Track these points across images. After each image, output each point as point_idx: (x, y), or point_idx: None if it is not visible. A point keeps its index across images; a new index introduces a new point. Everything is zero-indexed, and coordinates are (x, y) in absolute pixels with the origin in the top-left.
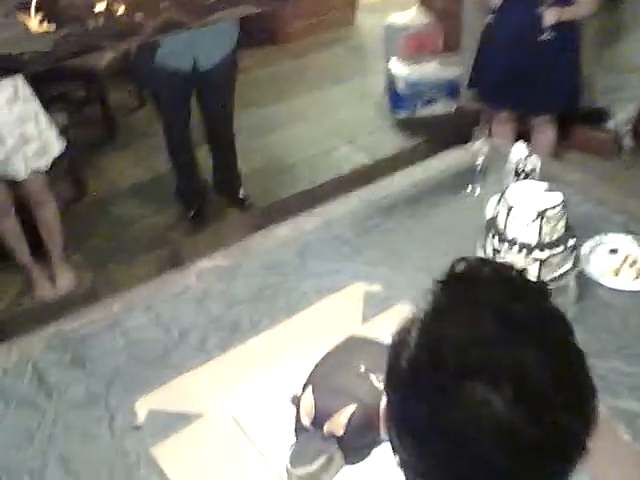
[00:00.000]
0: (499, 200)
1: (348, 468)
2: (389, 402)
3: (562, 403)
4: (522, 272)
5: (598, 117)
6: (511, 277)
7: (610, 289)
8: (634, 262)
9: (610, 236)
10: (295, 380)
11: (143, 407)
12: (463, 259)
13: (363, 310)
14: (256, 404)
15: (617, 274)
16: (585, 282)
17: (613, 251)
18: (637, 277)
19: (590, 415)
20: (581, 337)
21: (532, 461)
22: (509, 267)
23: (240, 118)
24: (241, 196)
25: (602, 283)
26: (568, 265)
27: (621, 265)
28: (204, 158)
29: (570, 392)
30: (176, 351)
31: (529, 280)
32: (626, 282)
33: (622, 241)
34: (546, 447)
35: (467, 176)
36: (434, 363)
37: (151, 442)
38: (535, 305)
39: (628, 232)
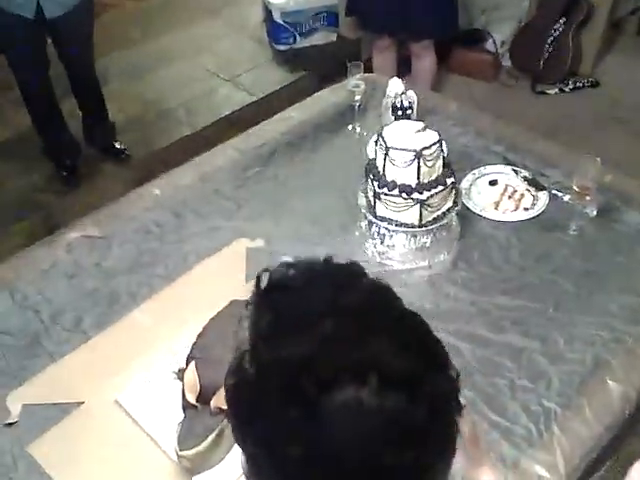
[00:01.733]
0: (376, 142)
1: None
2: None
3: (426, 369)
4: (327, 260)
5: (477, 38)
6: (319, 271)
7: (491, 222)
8: (513, 193)
9: (489, 168)
10: (180, 353)
11: (16, 402)
12: (266, 270)
13: (246, 268)
14: (140, 384)
15: (497, 206)
16: (467, 217)
17: (493, 183)
18: (517, 208)
19: (453, 371)
20: (464, 274)
21: (422, 443)
22: (313, 262)
23: (108, 63)
24: (117, 147)
25: (483, 216)
26: (449, 203)
27: (501, 197)
28: (74, 109)
29: (429, 356)
30: (48, 336)
31: (338, 264)
32: (506, 214)
33: (501, 172)
34: (431, 420)
35: (347, 115)
36: (287, 396)
37: (28, 439)
38: (357, 288)
39: (507, 163)
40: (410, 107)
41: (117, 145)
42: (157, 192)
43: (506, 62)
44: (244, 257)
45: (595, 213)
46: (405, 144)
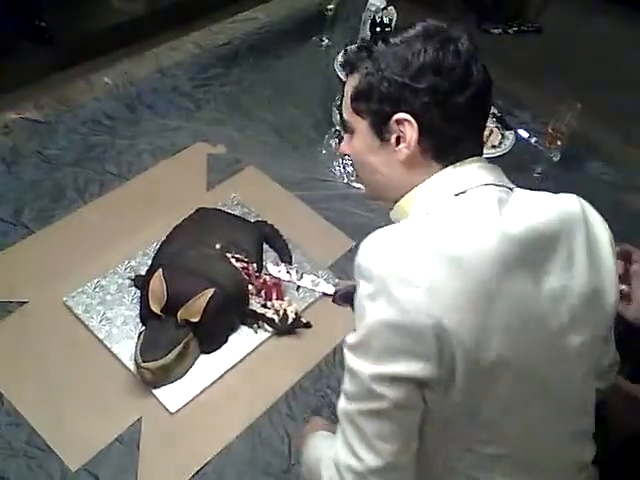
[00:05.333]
0: None
1: (203, 357)
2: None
3: None
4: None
5: None
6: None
7: None
8: (489, 134)
9: None
10: (136, 258)
11: None
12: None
13: (207, 175)
14: (91, 286)
15: None
16: None
17: None
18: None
19: None
20: None
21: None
22: None
23: None
24: (39, 25)
25: None
26: None
27: None
28: None
29: None
30: None
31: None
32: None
33: None
34: None
35: (314, 24)
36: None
37: None
38: None
39: None
40: (389, 24)
41: (38, 22)
42: (107, 81)
43: None
44: (205, 163)
45: (559, 158)
46: None
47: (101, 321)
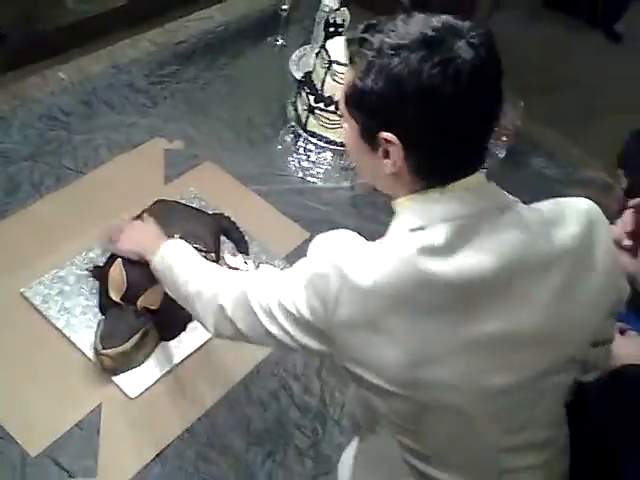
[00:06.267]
0: (317, 54)
1: (162, 345)
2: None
3: None
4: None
5: None
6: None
7: None
8: None
9: None
10: (93, 249)
11: None
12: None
13: (165, 169)
14: (49, 277)
15: None
16: None
17: None
18: None
19: None
20: (385, 199)
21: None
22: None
23: None
24: None
25: None
26: None
27: None
28: None
29: None
30: None
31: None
32: None
33: None
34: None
35: (269, 24)
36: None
37: None
38: None
39: None
40: (342, 25)
41: None
42: (63, 76)
43: None
44: (162, 158)
45: (504, 154)
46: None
47: (59, 311)
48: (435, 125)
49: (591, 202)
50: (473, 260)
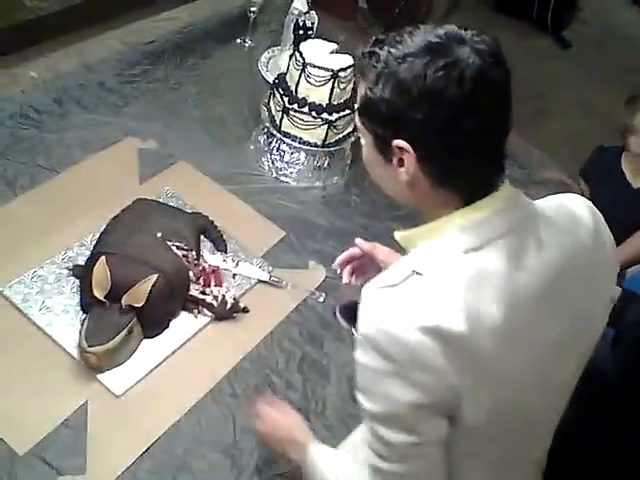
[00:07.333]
0: (291, 56)
1: (146, 342)
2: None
3: None
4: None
5: None
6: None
7: None
8: None
9: None
10: (73, 248)
11: None
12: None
13: (139, 168)
14: (28, 276)
15: None
16: (359, 145)
17: None
18: None
19: None
20: (356, 198)
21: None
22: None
23: None
24: None
25: None
26: (350, 128)
27: None
28: None
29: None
30: None
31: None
32: None
33: None
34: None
35: (237, 25)
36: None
37: None
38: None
39: None
40: (311, 28)
41: None
42: (33, 75)
43: (363, 4)
44: (136, 157)
45: None
46: (323, 62)
47: (41, 309)
48: (443, 130)
49: (587, 200)
50: (536, 269)
